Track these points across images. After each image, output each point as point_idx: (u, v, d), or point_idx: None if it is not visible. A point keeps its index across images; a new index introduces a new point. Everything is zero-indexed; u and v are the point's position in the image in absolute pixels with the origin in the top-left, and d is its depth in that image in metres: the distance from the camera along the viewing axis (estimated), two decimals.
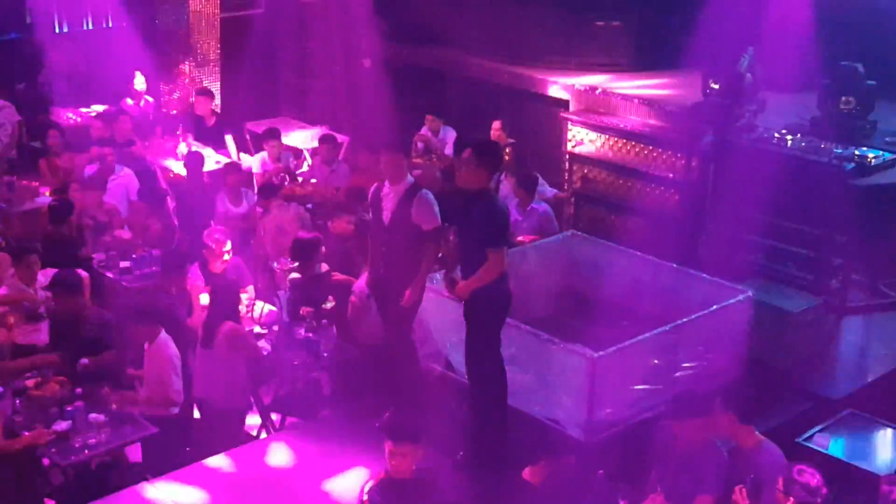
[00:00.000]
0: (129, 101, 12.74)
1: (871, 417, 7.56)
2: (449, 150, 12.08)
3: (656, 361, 7.39)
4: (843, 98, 10.00)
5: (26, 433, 6.72)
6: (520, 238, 9.42)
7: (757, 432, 6.18)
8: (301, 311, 8.21)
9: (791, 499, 5.35)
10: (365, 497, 5.67)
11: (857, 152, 9.57)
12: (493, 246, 6.63)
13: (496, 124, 11.53)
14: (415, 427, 5.75)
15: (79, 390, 7.12)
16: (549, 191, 10.86)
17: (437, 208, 7.04)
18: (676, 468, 6.12)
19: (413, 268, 7.04)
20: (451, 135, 12.35)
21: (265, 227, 9.78)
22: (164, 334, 7.32)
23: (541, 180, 10.75)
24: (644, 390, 7.29)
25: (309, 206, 10.76)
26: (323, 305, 8.20)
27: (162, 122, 13.00)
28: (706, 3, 10.66)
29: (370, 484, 5.72)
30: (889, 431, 7.32)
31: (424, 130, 12.27)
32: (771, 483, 5.62)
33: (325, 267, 8.45)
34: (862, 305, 9.48)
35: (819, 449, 6.87)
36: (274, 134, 11.71)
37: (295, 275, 8.64)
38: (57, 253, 9.08)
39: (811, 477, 5.39)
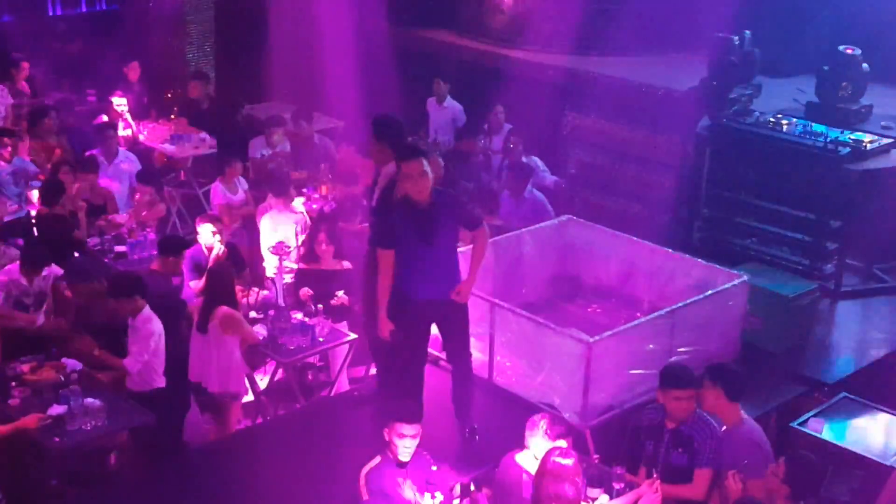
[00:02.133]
0: (117, 102, 12.41)
1: (865, 402, 7.58)
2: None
3: (652, 346, 7.40)
4: (843, 84, 10.00)
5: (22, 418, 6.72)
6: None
7: (742, 411, 6.18)
8: (300, 295, 8.22)
9: (787, 488, 5.35)
10: (363, 481, 5.70)
11: (852, 136, 9.58)
12: (479, 221, 6.68)
13: (498, 108, 11.53)
14: (420, 409, 5.81)
15: (74, 375, 7.13)
16: (550, 178, 10.84)
17: None
18: (668, 442, 6.16)
19: None
20: (456, 107, 12.33)
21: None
22: (147, 310, 7.32)
23: (542, 166, 10.76)
24: (640, 375, 7.30)
25: (305, 190, 10.75)
26: (332, 300, 8.27)
27: (156, 106, 12.96)
28: None
29: (369, 467, 5.75)
30: (883, 416, 7.35)
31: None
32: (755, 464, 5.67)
33: (346, 264, 8.54)
34: (857, 290, 9.51)
35: (813, 433, 6.89)
36: (279, 121, 11.65)
37: (291, 264, 8.66)
38: (50, 234, 9.06)
39: (810, 467, 5.38)
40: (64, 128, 11.66)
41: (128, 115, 12.14)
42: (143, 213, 10.04)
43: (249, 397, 8.00)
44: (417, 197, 6.42)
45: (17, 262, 8.26)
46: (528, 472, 5.83)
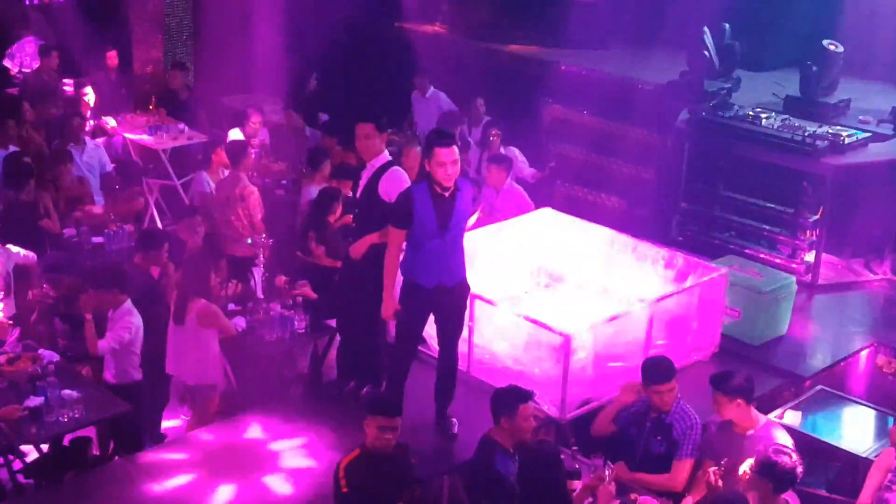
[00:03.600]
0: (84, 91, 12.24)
1: (841, 395, 7.65)
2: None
3: (630, 338, 7.42)
4: (823, 78, 10.07)
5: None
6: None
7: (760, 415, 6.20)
8: (276, 282, 8.19)
9: (768, 482, 5.37)
10: (342, 473, 5.69)
11: (830, 131, 9.63)
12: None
13: (479, 101, 11.53)
14: (398, 401, 5.80)
15: (51, 367, 7.08)
16: (528, 170, 10.84)
17: (407, 185, 6.97)
18: (649, 430, 6.18)
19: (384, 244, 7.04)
20: (440, 96, 12.31)
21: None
22: (128, 304, 7.30)
23: (521, 156, 10.75)
24: (619, 367, 7.32)
25: (284, 182, 10.71)
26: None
27: (134, 96, 12.88)
28: None
29: (346, 461, 5.74)
30: (859, 408, 7.41)
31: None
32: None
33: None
34: (833, 283, 9.57)
35: (790, 426, 6.93)
36: (256, 110, 11.63)
37: None
38: (16, 221, 8.99)
39: (789, 459, 5.40)
40: (42, 118, 11.56)
41: (90, 103, 11.98)
42: (122, 205, 9.97)
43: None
44: (446, 183, 6.50)
45: None
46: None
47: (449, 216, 6.58)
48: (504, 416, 5.87)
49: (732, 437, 6.10)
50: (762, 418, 6.25)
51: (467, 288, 6.90)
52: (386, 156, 7.08)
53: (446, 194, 6.53)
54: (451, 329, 6.97)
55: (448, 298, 6.78)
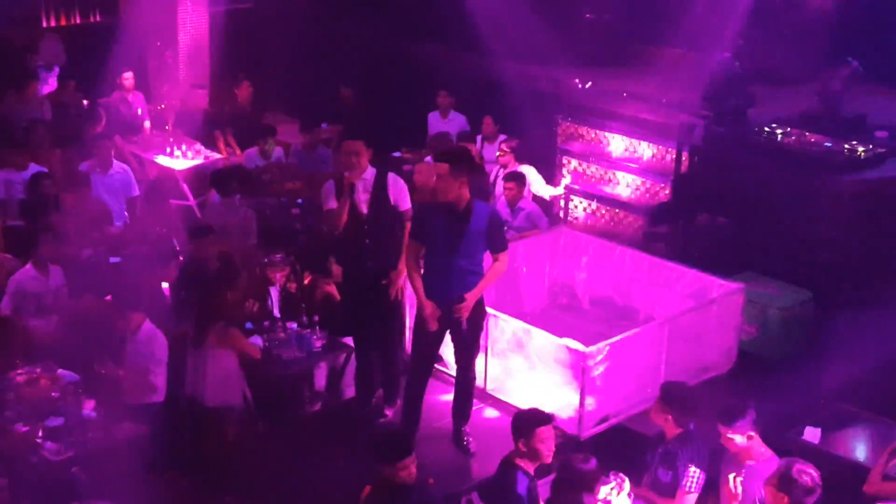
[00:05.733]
0: None
1: (859, 411, 7.60)
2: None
3: (648, 356, 7.41)
4: (841, 93, 10.08)
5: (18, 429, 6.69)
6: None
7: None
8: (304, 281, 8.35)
9: (786, 497, 5.33)
10: None
11: (846, 146, 9.61)
12: (504, 247, 6.88)
13: (487, 119, 11.54)
14: (410, 436, 5.78)
15: (71, 387, 7.09)
16: (545, 188, 10.82)
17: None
18: (659, 456, 6.16)
19: (400, 251, 7.23)
20: (461, 119, 12.34)
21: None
22: (148, 325, 7.33)
23: (536, 175, 10.75)
24: (636, 385, 7.31)
25: (299, 200, 10.73)
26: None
27: (151, 117, 12.94)
28: None
29: (365, 496, 5.68)
30: (880, 425, 7.36)
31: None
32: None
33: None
34: (851, 300, 9.51)
35: (808, 441, 6.90)
36: (271, 131, 11.68)
37: None
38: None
39: (809, 478, 5.35)
40: (58, 139, 11.61)
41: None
42: (146, 226, 9.93)
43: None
44: (458, 203, 6.64)
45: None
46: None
47: (459, 236, 6.67)
48: (522, 438, 5.82)
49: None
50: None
51: (482, 306, 6.91)
52: (371, 168, 7.25)
53: (458, 214, 6.67)
54: (465, 346, 6.98)
55: (454, 318, 6.81)
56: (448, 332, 6.97)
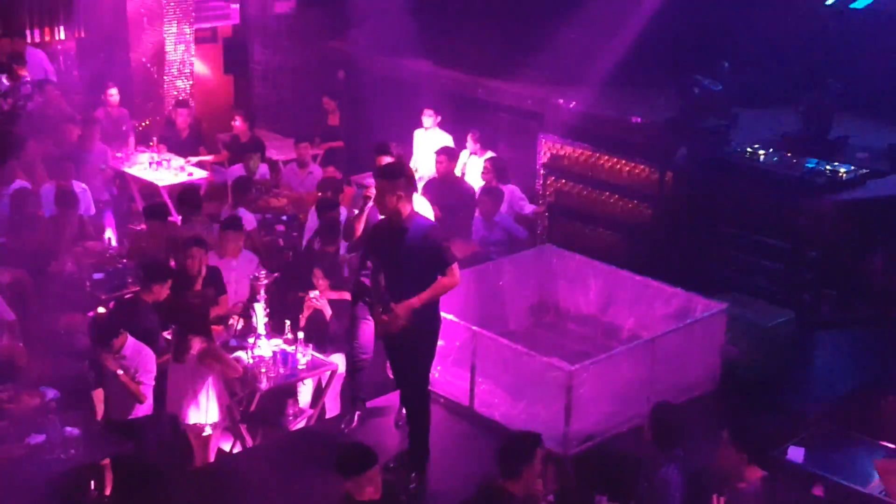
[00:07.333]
0: None
1: (844, 430, 7.62)
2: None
3: (632, 375, 7.42)
4: (824, 115, 10.18)
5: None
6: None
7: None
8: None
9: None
10: None
11: (828, 167, 9.68)
12: (447, 263, 6.48)
13: (471, 136, 11.58)
14: (369, 449, 5.54)
15: (53, 404, 7.06)
16: (528, 207, 10.85)
17: None
18: (643, 476, 6.15)
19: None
20: (445, 137, 12.32)
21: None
22: (132, 341, 7.26)
23: (521, 195, 10.79)
24: (620, 403, 7.32)
25: (284, 217, 10.73)
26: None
27: (135, 132, 12.92)
28: (680, 18, 10.76)
29: None
30: (862, 444, 7.38)
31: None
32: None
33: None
34: (834, 320, 9.56)
35: (793, 461, 6.91)
36: (257, 147, 11.68)
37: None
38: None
39: None
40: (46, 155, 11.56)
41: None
42: (143, 245, 9.83)
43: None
44: (395, 218, 6.51)
45: None
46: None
47: (399, 253, 6.48)
48: (525, 465, 5.48)
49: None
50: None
51: (426, 332, 6.66)
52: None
53: (397, 230, 6.49)
54: (402, 373, 6.86)
55: (397, 338, 6.61)
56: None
